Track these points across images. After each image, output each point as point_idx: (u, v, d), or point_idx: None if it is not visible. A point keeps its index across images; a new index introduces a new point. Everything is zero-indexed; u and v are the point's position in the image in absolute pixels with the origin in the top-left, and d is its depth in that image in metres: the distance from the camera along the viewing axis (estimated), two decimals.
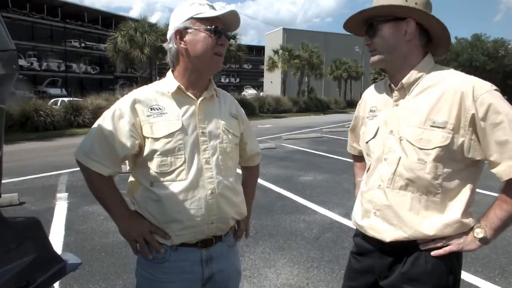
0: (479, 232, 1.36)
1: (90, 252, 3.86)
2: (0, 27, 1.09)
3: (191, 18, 1.44)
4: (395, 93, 1.48)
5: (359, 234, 1.63)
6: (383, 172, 1.47)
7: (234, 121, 1.62)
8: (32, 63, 39.91)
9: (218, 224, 1.51)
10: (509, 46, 50.99)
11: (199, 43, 1.44)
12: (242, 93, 44.00)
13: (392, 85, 1.51)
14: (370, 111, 1.61)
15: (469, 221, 1.40)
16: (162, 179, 1.44)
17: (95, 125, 1.47)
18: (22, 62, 36.42)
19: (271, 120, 24.00)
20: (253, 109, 26.10)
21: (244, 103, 23.48)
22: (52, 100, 20.15)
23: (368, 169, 1.59)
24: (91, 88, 32.66)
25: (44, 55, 42.73)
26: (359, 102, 1.76)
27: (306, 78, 40.33)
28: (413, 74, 1.44)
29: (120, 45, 23.50)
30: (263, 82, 60.51)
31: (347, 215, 5.05)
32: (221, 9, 1.48)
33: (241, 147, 1.69)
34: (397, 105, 1.47)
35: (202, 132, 1.48)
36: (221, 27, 1.46)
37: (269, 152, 10.23)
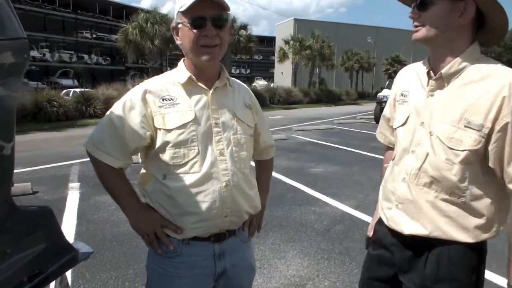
0: None
1: (101, 241, 3.90)
2: (11, 16, 1.08)
3: (178, 12, 1.38)
4: (432, 82, 1.36)
5: (383, 225, 1.57)
6: (409, 165, 1.40)
7: (248, 111, 1.57)
8: (44, 54, 40.22)
9: (232, 218, 1.48)
10: None
11: (186, 38, 1.39)
12: (253, 84, 43.81)
13: (431, 71, 1.38)
14: (401, 95, 1.51)
15: (493, 230, 1.33)
16: (175, 171, 1.40)
17: (106, 116, 1.44)
18: (34, 53, 36.71)
19: (282, 111, 23.90)
20: (263, 100, 25.97)
21: (254, 94, 23.29)
22: (64, 91, 20.31)
23: (394, 157, 1.53)
24: (102, 79, 32.86)
25: (56, 46, 43.04)
26: (392, 87, 1.65)
27: (317, 69, 40.07)
28: (455, 65, 1.31)
29: (131, 36, 23.58)
30: (273, 73, 60.24)
31: (359, 208, 5.04)
32: None
33: (255, 139, 1.62)
34: (432, 96, 1.36)
35: (216, 123, 1.44)
36: (207, 14, 1.34)
37: (279, 144, 10.17)
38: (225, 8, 1.38)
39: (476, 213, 1.31)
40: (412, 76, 1.49)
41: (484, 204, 1.31)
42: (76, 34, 44.53)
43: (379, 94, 17.56)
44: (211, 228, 1.46)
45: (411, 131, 1.41)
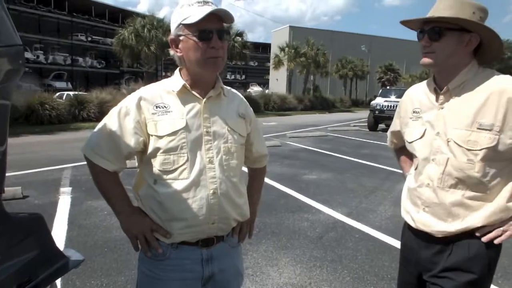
0: None
1: (92, 247, 3.86)
2: (7, 22, 1.08)
3: (180, 24, 1.40)
4: (441, 97, 1.55)
5: (408, 228, 1.71)
6: (432, 172, 1.55)
7: (241, 121, 1.59)
8: (38, 56, 39.98)
9: (219, 225, 1.51)
10: None
11: (190, 51, 1.41)
12: (248, 90, 43.99)
13: (437, 88, 1.57)
14: (414, 112, 1.68)
15: None
16: (164, 177, 1.44)
17: (102, 121, 1.49)
18: (28, 55, 36.48)
19: (276, 118, 23.97)
20: (258, 107, 26.04)
21: (249, 100, 23.20)
22: (57, 94, 20.19)
23: (416, 167, 1.67)
24: (96, 82, 32.72)
25: (50, 48, 42.85)
26: (400, 104, 1.83)
27: (312, 76, 40.25)
28: (459, 79, 1.51)
29: (127, 41, 23.58)
30: (268, 79, 60.39)
31: (351, 215, 5.05)
32: (204, 5, 1.38)
33: (247, 148, 1.66)
34: (442, 108, 1.54)
35: (207, 131, 1.47)
36: (212, 27, 1.38)
37: (273, 150, 10.20)
38: (228, 21, 1.45)
39: (498, 203, 1.46)
40: (421, 94, 1.67)
41: (505, 193, 1.47)
42: (71, 36, 44.34)
43: (373, 102, 17.70)
44: (198, 234, 1.49)
45: (428, 142, 1.58)
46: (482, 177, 1.45)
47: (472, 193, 1.48)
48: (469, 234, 1.50)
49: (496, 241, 1.48)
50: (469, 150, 1.44)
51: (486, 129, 1.41)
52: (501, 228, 1.47)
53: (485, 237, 1.48)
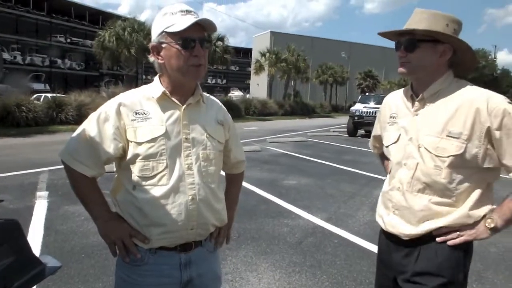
0: (490, 223, 1.49)
1: (69, 253, 3.79)
2: None
3: (163, 32, 1.42)
4: (416, 104, 1.61)
5: (382, 232, 1.77)
6: (402, 176, 1.61)
7: (220, 127, 1.61)
8: (15, 57, 39.10)
9: (198, 230, 1.52)
10: (489, 57, 53.12)
11: (173, 58, 1.43)
12: (229, 95, 44.03)
13: (413, 95, 1.64)
14: (391, 117, 1.74)
15: (478, 212, 1.52)
16: (144, 183, 1.44)
17: (81, 126, 1.48)
18: (5, 55, 35.66)
19: (257, 123, 24.04)
20: (239, 111, 26.12)
21: (230, 105, 23.61)
22: (34, 95, 19.78)
23: (390, 171, 1.73)
24: (75, 84, 32.18)
25: (28, 49, 41.94)
26: (380, 109, 1.89)
27: (292, 82, 40.60)
28: (434, 88, 1.57)
29: (107, 43, 23.34)
30: (249, 84, 60.58)
31: (330, 220, 5.10)
32: (187, 15, 1.41)
33: (225, 154, 1.68)
34: (416, 115, 1.61)
35: (186, 138, 1.48)
36: (195, 36, 1.41)
37: (253, 155, 10.23)
38: (211, 30, 1.49)
39: (463, 210, 1.51)
40: (399, 100, 1.74)
41: (470, 201, 1.51)
42: (50, 37, 43.52)
43: (352, 108, 17.98)
44: (177, 239, 1.50)
45: (402, 147, 1.63)
46: (448, 183, 1.50)
47: (438, 199, 1.53)
48: (435, 239, 1.55)
49: (449, 243, 1.53)
50: (437, 156, 1.50)
51: (454, 137, 1.47)
52: (458, 233, 1.53)
53: (440, 238, 1.53)
